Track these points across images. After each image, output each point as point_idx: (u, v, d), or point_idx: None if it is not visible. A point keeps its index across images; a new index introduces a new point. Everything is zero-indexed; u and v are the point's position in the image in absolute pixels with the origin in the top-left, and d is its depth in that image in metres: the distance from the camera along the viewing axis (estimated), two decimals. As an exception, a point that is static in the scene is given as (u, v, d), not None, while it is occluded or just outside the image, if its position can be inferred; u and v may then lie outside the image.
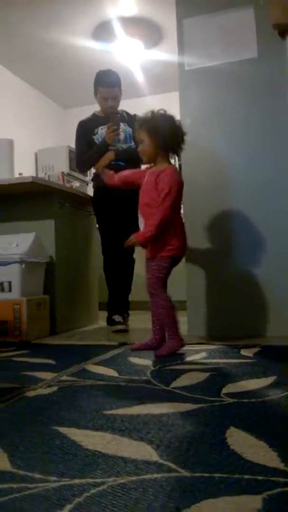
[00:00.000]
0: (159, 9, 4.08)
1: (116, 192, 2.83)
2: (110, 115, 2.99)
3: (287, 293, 2.46)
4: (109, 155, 2.98)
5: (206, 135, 2.68)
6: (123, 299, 3.08)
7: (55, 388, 1.44)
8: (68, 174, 5.13)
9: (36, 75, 5.26)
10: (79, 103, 5.60)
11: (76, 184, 5.07)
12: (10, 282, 2.65)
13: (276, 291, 2.49)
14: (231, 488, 0.75)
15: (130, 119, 3.09)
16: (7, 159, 3.04)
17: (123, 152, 2.99)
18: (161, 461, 0.87)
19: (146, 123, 2.10)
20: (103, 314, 3.26)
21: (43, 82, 5.44)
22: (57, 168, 5.19)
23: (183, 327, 2.63)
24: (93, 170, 3.18)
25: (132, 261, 3.10)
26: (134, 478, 0.80)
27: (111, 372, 1.66)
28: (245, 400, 1.25)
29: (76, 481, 0.80)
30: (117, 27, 4.33)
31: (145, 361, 1.85)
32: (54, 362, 1.89)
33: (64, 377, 1.59)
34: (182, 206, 2.32)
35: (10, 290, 2.65)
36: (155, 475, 0.81)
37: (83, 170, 3.35)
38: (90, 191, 3.60)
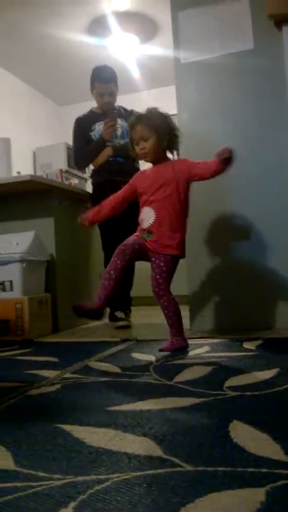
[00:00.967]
0: (154, 2, 4.06)
1: (115, 188, 2.82)
2: (107, 111, 2.98)
3: (289, 285, 2.46)
4: (107, 151, 2.97)
5: (203, 128, 2.66)
6: (125, 295, 3.08)
7: (58, 386, 1.45)
8: (67, 171, 5.12)
9: (31, 72, 5.24)
10: (75, 99, 5.58)
11: (75, 181, 5.06)
12: (11, 281, 2.65)
13: (279, 283, 2.48)
14: (235, 481, 0.75)
15: (127, 115, 3.07)
16: (4, 158, 3.04)
17: (121, 148, 2.98)
18: (164, 456, 0.87)
19: (149, 120, 2.04)
20: (105, 311, 3.26)
21: (38, 79, 5.42)
22: (56, 165, 5.19)
23: (185, 322, 2.64)
24: (91, 167, 3.18)
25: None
26: (138, 473, 0.80)
27: (114, 369, 1.66)
28: (248, 393, 1.25)
29: (80, 478, 0.80)
30: (112, 22, 4.31)
31: (147, 357, 1.85)
32: (57, 360, 1.89)
33: (67, 375, 1.60)
34: None
35: (11, 289, 2.65)
36: (159, 471, 0.81)
37: (81, 167, 3.34)
38: (89, 187, 3.59)
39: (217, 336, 2.28)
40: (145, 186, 2.12)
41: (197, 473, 0.79)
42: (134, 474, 0.80)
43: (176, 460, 0.85)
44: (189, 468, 0.81)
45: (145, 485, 0.76)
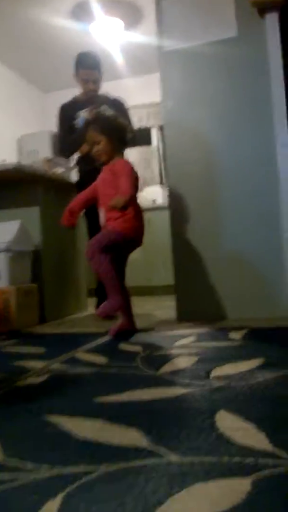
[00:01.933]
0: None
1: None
2: (91, 98, 2.95)
3: (276, 273, 2.49)
4: (93, 139, 2.95)
5: (188, 116, 2.66)
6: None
7: (45, 377, 1.45)
8: (52, 160, 5.07)
9: (15, 58, 5.15)
10: (60, 86, 5.51)
11: (61, 169, 5.01)
12: (-3, 271, 2.63)
13: (265, 272, 2.51)
14: (221, 471, 0.76)
15: (112, 102, 3.05)
16: (-11, 147, 2.99)
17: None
18: (151, 447, 0.88)
19: (96, 125, 2.33)
20: (93, 301, 3.26)
21: (22, 65, 5.33)
22: (42, 153, 5.13)
23: (172, 311, 2.66)
24: (76, 155, 3.15)
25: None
26: (125, 465, 0.81)
27: (101, 360, 1.66)
28: (234, 383, 1.26)
29: (68, 469, 0.80)
30: (96, 7, 4.24)
31: (134, 347, 1.86)
32: (44, 351, 1.89)
33: (55, 366, 1.60)
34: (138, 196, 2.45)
35: (-3, 279, 2.63)
36: (146, 461, 0.82)
37: (66, 155, 3.31)
38: (75, 175, 3.56)
39: (203, 325, 2.30)
40: (100, 190, 2.37)
41: (184, 464, 0.80)
42: (121, 465, 0.81)
43: (163, 451, 0.86)
44: (175, 459, 0.82)
45: (132, 476, 0.76)
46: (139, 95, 5.48)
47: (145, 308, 3.26)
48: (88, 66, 2.98)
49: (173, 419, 1.02)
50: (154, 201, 5.55)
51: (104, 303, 2.20)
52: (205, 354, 1.66)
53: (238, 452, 0.83)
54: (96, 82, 3.01)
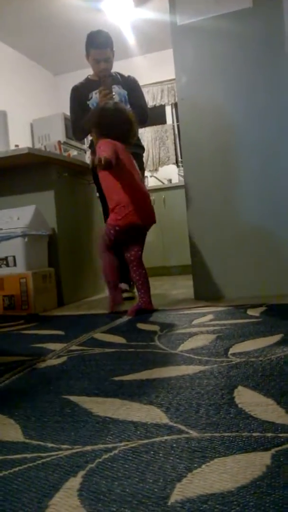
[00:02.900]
0: None
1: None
2: (101, 79, 2.91)
3: (292, 250, 2.45)
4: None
5: (203, 92, 2.61)
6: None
7: (64, 358, 1.46)
8: (65, 143, 5.05)
9: (25, 41, 5.10)
10: (71, 68, 5.46)
11: (73, 152, 4.99)
12: (14, 257, 2.65)
13: (282, 249, 2.47)
14: (241, 446, 0.76)
15: (125, 81, 3.01)
16: (1, 131, 2.99)
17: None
18: (171, 423, 0.88)
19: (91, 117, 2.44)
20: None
21: (32, 48, 5.29)
22: (54, 137, 5.11)
23: (190, 291, 2.65)
24: (90, 137, 3.12)
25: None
26: (145, 441, 0.81)
27: (119, 340, 1.67)
28: (252, 359, 1.26)
29: (88, 447, 0.81)
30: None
31: (152, 327, 1.86)
32: (62, 333, 1.91)
33: (73, 347, 1.61)
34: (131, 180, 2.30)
35: (15, 264, 2.66)
36: (165, 438, 0.82)
37: (79, 137, 3.28)
38: (88, 159, 3.55)
39: (221, 304, 2.29)
40: None
41: (204, 439, 0.80)
42: (141, 441, 0.81)
43: (182, 427, 0.86)
44: (195, 434, 0.82)
45: (152, 453, 0.77)
46: (152, 72, 5.40)
47: (162, 288, 3.26)
48: (99, 45, 2.93)
49: (192, 396, 1.02)
50: (169, 180, 5.51)
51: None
52: (223, 331, 1.65)
53: (257, 427, 0.82)
54: (108, 61, 2.96)
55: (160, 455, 0.76)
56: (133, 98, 2.98)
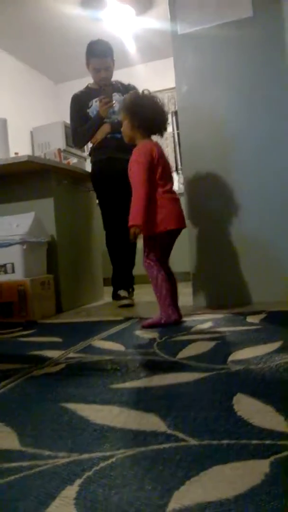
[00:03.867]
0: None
1: (114, 166, 2.80)
2: (101, 87, 2.93)
3: (291, 258, 2.45)
4: (105, 128, 2.93)
5: (203, 100, 2.62)
6: (128, 274, 3.08)
7: (62, 366, 1.45)
8: (65, 151, 5.07)
9: (26, 49, 5.13)
10: (72, 76, 5.47)
11: (73, 160, 5.01)
12: (12, 264, 2.64)
13: (282, 256, 2.47)
14: (239, 454, 0.75)
15: (125, 89, 3.02)
16: (1, 139, 3.00)
17: (119, 124, 2.92)
18: (169, 431, 0.87)
19: (125, 104, 2.16)
20: (108, 290, 3.27)
21: (33, 56, 5.31)
22: (54, 145, 5.13)
23: (189, 298, 2.65)
24: (90, 145, 3.14)
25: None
26: (143, 449, 0.81)
27: (118, 347, 1.66)
28: (252, 367, 1.25)
29: (85, 455, 0.80)
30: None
31: (151, 334, 1.85)
32: (60, 340, 1.90)
33: (71, 354, 1.60)
34: (161, 179, 2.10)
35: (13, 271, 2.65)
36: (164, 445, 0.81)
37: (80, 145, 3.30)
38: (88, 166, 3.56)
39: (220, 311, 2.28)
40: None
41: (202, 447, 0.79)
42: (139, 449, 0.81)
43: (181, 435, 0.85)
44: (193, 442, 0.81)
45: (150, 460, 0.76)
46: (152, 81, 5.41)
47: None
48: (99, 54, 2.95)
49: (191, 403, 1.01)
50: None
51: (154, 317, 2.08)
52: (222, 339, 1.64)
53: (256, 435, 0.81)
54: (108, 69, 2.98)
55: (158, 463, 0.75)
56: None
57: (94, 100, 2.99)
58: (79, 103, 3.05)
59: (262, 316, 2.03)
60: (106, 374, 1.33)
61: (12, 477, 0.74)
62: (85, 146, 3.64)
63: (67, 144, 5.08)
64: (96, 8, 4.42)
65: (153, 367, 1.36)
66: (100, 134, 2.94)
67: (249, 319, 1.99)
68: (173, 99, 5.53)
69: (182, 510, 0.61)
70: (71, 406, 1.06)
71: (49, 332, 2.13)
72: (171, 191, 2.12)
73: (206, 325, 1.94)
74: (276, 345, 1.47)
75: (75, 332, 2.09)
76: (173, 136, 5.74)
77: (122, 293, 2.98)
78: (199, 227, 2.61)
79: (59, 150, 4.87)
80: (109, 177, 2.94)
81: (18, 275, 2.63)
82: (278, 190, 2.48)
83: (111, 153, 2.91)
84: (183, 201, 2.68)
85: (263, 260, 2.50)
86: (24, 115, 5.26)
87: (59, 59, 5.38)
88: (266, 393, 1.03)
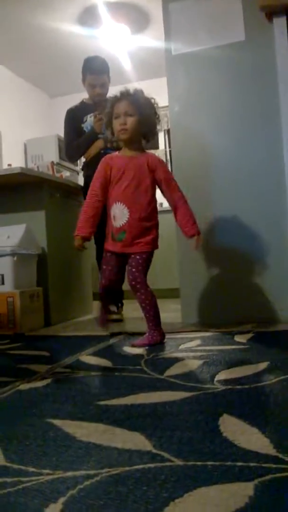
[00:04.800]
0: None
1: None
2: (96, 103, 2.96)
3: (281, 276, 2.47)
4: (99, 144, 2.95)
5: (194, 120, 2.66)
6: (117, 289, 3.07)
7: (49, 380, 1.45)
8: (58, 164, 5.09)
9: (22, 64, 5.18)
10: (67, 91, 5.53)
11: (66, 173, 5.03)
12: (2, 275, 2.63)
13: (270, 275, 2.49)
14: (224, 475, 0.75)
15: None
16: (-5, 151, 3.00)
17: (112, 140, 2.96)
18: (154, 451, 0.87)
19: (134, 98, 2.03)
20: (98, 305, 3.26)
21: (29, 71, 5.36)
22: (47, 158, 5.15)
23: (177, 315, 2.65)
24: (83, 159, 3.16)
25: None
26: (127, 468, 0.80)
27: (105, 363, 1.66)
28: (238, 387, 1.25)
29: (70, 473, 0.80)
30: (103, 12, 4.26)
31: (139, 351, 1.85)
32: (48, 354, 1.89)
33: (58, 369, 1.59)
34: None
35: (2, 283, 2.64)
36: (149, 465, 0.81)
37: (73, 159, 3.32)
38: (80, 180, 3.57)
39: (209, 329, 2.29)
40: (115, 172, 2.06)
41: (187, 468, 0.79)
42: (124, 469, 0.80)
43: (166, 455, 0.85)
44: (178, 462, 0.81)
45: (134, 480, 0.76)
46: (146, 99, 5.49)
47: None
48: (95, 71, 2.98)
49: (177, 423, 1.01)
50: (160, 204, 5.55)
51: (145, 336, 2.01)
52: (210, 357, 1.65)
53: (241, 457, 0.82)
54: (104, 86, 3.02)
55: (143, 483, 0.75)
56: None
57: (88, 115, 3.02)
58: (74, 117, 3.07)
59: (250, 336, 2.04)
60: (93, 390, 1.33)
61: (-4, 494, 0.74)
62: (78, 161, 3.66)
63: (60, 158, 5.11)
64: (92, 26, 4.49)
65: (140, 384, 1.36)
66: (94, 149, 2.97)
67: (237, 338, 1.99)
68: (166, 117, 5.59)
69: (165, 531, 0.61)
70: (57, 422, 1.06)
71: (36, 346, 2.12)
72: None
73: (194, 343, 1.94)
74: (262, 365, 1.47)
75: (63, 347, 2.08)
76: (165, 154, 5.79)
77: (111, 308, 2.97)
78: (188, 244, 2.62)
79: (52, 163, 4.89)
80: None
81: (7, 287, 2.62)
82: (266, 209, 2.51)
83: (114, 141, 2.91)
84: (173, 218, 2.71)
85: (252, 280, 2.52)
86: (18, 127, 5.28)
87: (55, 74, 5.43)
88: (252, 414, 1.04)
